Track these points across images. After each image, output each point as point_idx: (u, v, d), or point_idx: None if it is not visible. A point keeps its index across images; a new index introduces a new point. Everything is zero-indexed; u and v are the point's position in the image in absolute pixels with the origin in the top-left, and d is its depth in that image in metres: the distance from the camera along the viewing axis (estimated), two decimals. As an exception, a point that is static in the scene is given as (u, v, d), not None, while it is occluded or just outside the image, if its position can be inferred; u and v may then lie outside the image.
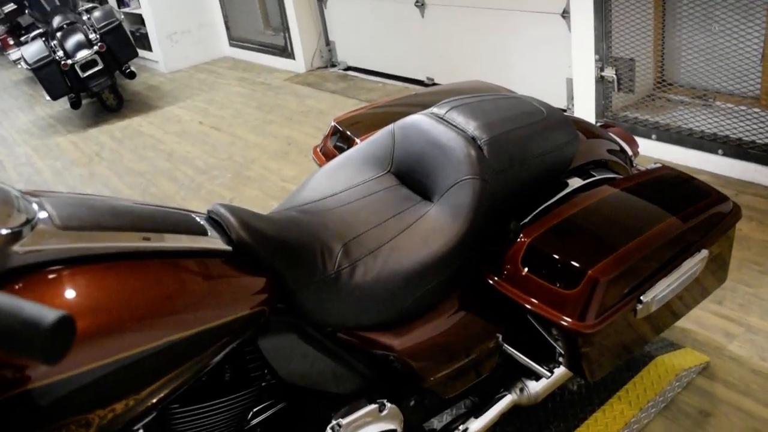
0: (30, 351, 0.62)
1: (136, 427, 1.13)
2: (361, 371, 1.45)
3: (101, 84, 5.57)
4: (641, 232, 1.47)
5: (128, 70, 5.80)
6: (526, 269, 1.43)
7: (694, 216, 1.57)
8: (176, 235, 1.19)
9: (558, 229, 1.47)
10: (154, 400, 1.08)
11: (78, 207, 1.16)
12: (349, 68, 6.14)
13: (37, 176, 4.82)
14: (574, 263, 1.39)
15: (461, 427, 1.70)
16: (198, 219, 1.29)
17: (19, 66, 7.06)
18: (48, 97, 5.53)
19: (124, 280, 1.07)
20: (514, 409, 1.78)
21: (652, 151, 3.47)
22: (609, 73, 3.53)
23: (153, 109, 6.02)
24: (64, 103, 5.99)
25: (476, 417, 1.72)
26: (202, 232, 1.23)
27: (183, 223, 1.23)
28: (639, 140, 3.40)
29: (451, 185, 1.48)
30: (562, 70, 4.08)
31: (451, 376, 1.55)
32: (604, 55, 3.52)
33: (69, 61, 5.32)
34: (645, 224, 1.50)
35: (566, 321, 1.37)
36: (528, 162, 1.55)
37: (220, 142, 4.91)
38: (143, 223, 1.17)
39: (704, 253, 1.56)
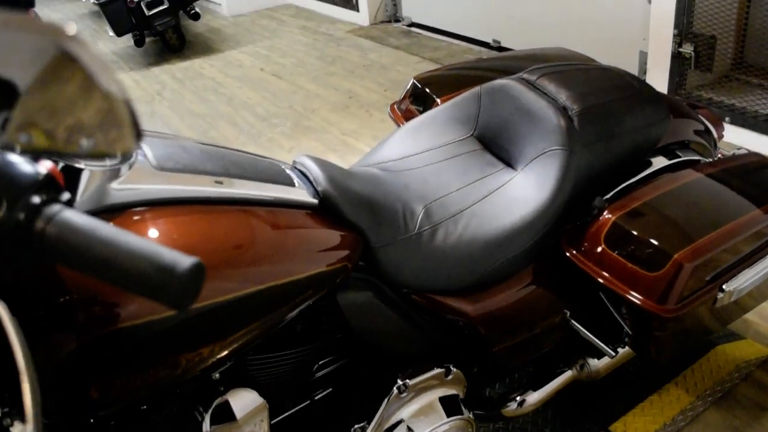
0: (162, 295, 0.62)
1: (214, 373, 1.16)
2: (430, 334, 1.45)
3: (165, 23, 5.60)
4: (727, 221, 1.43)
5: (192, 11, 5.81)
6: (608, 247, 1.41)
7: (783, 208, 1.51)
8: (266, 184, 1.19)
9: (643, 210, 1.44)
10: (236, 347, 1.10)
11: (173, 148, 1.16)
12: (413, 24, 6.05)
13: (100, 110, 4.89)
14: (659, 245, 1.36)
15: (519, 398, 1.70)
16: (285, 169, 1.29)
17: (85, 0, 7.13)
18: (112, 33, 5.58)
19: (216, 226, 1.07)
20: (571, 385, 1.78)
21: (725, 135, 3.36)
22: (687, 49, 3.40)
23: (215, 52, 6.04)
24: (127, 40, 6.04)
25: (534, 390, 1.71)
26: (290, 183, 1.24)
27: (272, 173, 1.24)
28: (712, 123, 3.31)
29: (538, 155, 1.46)
30: (635, 42, 3.95)
31: (517, 346, 1.55)
32: (683, 30, 3.39)
33: (136, -1, 5.36)
34: (732, 213, 1.46)
35: (646, 303, 1.35)
36: (617, 137, 1.51)
37: (281, 90, 4.91)
38: (235, 169, 1.18)
39: (791, 246, 1.51)
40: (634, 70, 4.06)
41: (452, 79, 1.94)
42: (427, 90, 1.89)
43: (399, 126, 1.85)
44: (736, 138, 3.32)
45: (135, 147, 0.62)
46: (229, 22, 7.12)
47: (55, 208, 0.68)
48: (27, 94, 0.59)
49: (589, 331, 1.64)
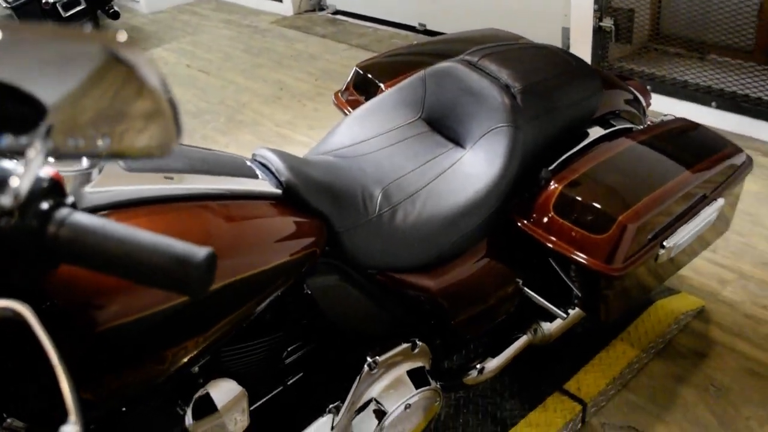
0: (182, 286, 0.65)
1: (194, 366, 1.18)
2: (395, 312, 1.51)
3: (84, 25, 5.43)
4: (664, 181, 1.54)
5: (111, 11, 5.64)
6: (557, 214, 1.50)
7: (712, 166, 1.64)
8: (231, 177, 1.22)
9: (586, 178, 1.53)
10: (212, 341, 1.13)
11: None
12: (337, 12, 6.05)
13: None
14: (604, 209, 1.45)
15: (479, 366, 1.78)
16: (246, 162, 1.31)
17: (-6, 2, 6.81)
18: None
19: (185, 223, 1.10)
20: (527, 350, 1.87)
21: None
22: (607, 23, 3.56)
23: (137, 51, 5.89)
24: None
25: (493, 357, 1.80)
26: (253, 175, 1.26)
27: (236, 166, 1.26)
28: (634, 92, 3.48)
29: (485, 132, 1.53)
30: (557, 19, 4.09)
31: (475, 317, 1.62)
32: (603, 5, 3.55)
33: (50, 0, 5.17)
34: (667, 174, 1.57)
35: (595, 264, 1.44)
36: (558, 111, 1.59)
37: (210, 86, 4.85)
38: (201, 165, 1.20)
39: (721, 201, 1.64)
40: (557, 44, 4.21)
41: (394, 64, 1.99)
42: (370, 76, 1.94)
43: (345, 114, 1.90)
44: (658, 105, 3.50)
45: (177, 142, 0.65)
46: (149, 19, 6.94)
47: (65, 211, 0.69)
48: (70, 101, 0.61)
49: (541, 297, 1.73)
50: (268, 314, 1.39)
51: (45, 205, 0.69)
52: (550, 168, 1.61)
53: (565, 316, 1.73)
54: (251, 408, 1.40)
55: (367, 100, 1.82)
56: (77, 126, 0.63)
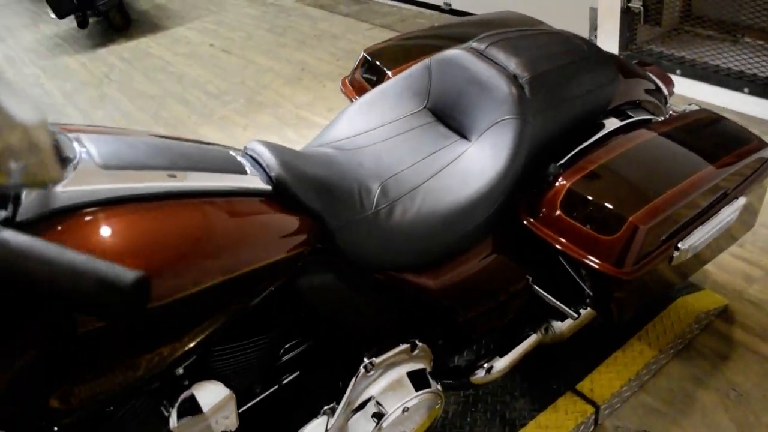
0: (108, 313, 0.60)
1: (178, 368, 1.14)
2: (394, 311, 1.45)
3: (108, 2, 5.42)
4: (681, 179, 1.45)
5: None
6: (564, 213, 1.42)
7: (734, 163, 1.54)
8: (216, 173, 1.16)
9: (598, 174, 1.45)
10: (198, 342, 1.09)
11: (118, 144, 1.13)
12: (362, -9, 5.95)
13: (47, 98, 4.74)
14: (614, 209, 1.37)
15: (486, 365, 1.72)
16: (236, 156, 1.26)
17: (22, -20, 6.86)
18: (53, 15, 5.38)
19: (165, 222, 1.05)
20: (538, 347, 1.81)
21: (676, 88, 3.40)
22: (636, 4, 3.41)
23: (161, 30, 5.87)
24: (70, 22, 5.84)
25: (501, 356, 1.73)
26: (241, 171, 1.21)
27: (222, 161, 1.21)
28: (663, 76, 3.34)
29: (490, 125, 1.45)
30: (586, -1, 3.95)
31: (481, 316, 1.56)
32: (632, -15, 3.40)
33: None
34: (685, 171, 1.47)
35: (604, 266, 1.36)
36: (569, 102, 1.51)
37: (232, 66, 4.81)
38: (184, 161, 1.15)
39: (742, 200, 1.54)
40: (585, 27, 4.07)
41: (402, 50, 1.91)
42: (378, 63, 1.86)
43: (352, 101, 1.83)
44: (688, 90, 3.36)
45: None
46: (174, -3, 6.92)
47: None
48: None
49: (551, 295, 1.66)
50: (258, 313, 1.34)
51: None
52: (561, 162, 1.52)
53: (576, 316, 1.66)
54: (245, 407, 1.37)
55: (373, 87, 1.75)
56: None
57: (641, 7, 3.39)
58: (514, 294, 1.60)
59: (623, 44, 3.56)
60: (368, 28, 5.13)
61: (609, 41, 3.63)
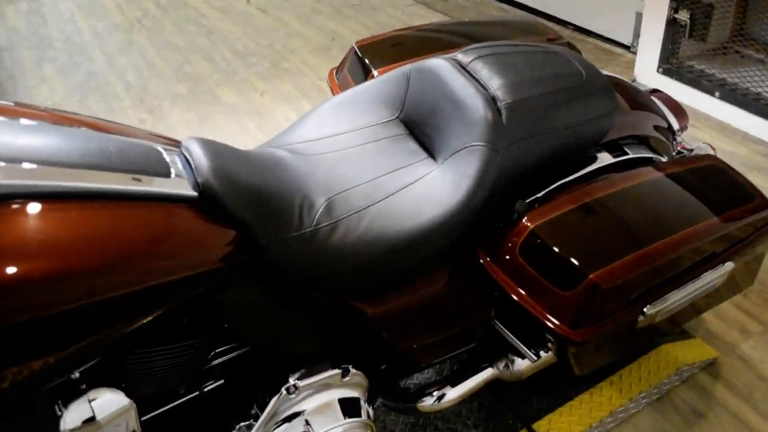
0: None
1: (73, 373, 1.07)
2: (329, 333, 1.36)
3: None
4: (662, 236, 1.30)
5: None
6: (523, 257, 1.29)
7: (729, 222, 1.39)
8: (132, 174, 1.06)
9: (566, 219, 1.31)
10: (88, 353, 1.01)
11: (30, 136, 1.04)
12: (411, -37, 5.74)
13: (77, 36, 4.70)
14: (575, 262, 1.24)
15: (436, 393, 1.62)
16: (165, 155, 1.15)
17: None
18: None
19: (60, 225, 0.96)
20: (495, 382, 1.70)
21: (711, 110, 3.20)
22: (683, 16, 3.19)
23: (203, -21, 5.77)
24: (114, -41, 5.77)
25: (453, 385, 1.63)
26: (165, 173, 1.11)
27: (144, 161, 1.11)
28: (700, 96, 3.14)
29: (459, 148, 1.32)
30: (633, 2, 3.73)
31: (429, 346, 1.45)
32: (681, -5, 3.18)
33: None
34: (669, 226, 1.33)
35: (555, 325, 1.24)
36: (551, 133, 1.37)
37: (264, 26, 4.70)
38: (96, 157, 1.05)
39: (729, 266, 1.39)
40: (629, 32, 3.86)
41: (394, 48, 1.78)
42: (366, 60, 1.73)
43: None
44: (723, 114, 3.16)
45: None
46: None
47: None
48: None
49: (512, 333, 1.55)
50: (175, 322, 1.26)
51: None
52: (533, 198, 1.39)
53: (535, 359, 1.54)
54: (155, 413, 1.30)
55: (357, 85, 1.63)
56: None
57: (688, 20, 3.17)
58: (471, 327, 1.49)
59: (664, 57, 3.35)
60: (409, 4, 4.96)
61: (649, 51, 3.42)
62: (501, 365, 1.66)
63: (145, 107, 3.70)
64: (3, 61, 4.39)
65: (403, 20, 4.66)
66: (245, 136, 3.38)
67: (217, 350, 1.34)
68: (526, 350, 1.54)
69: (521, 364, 1.66)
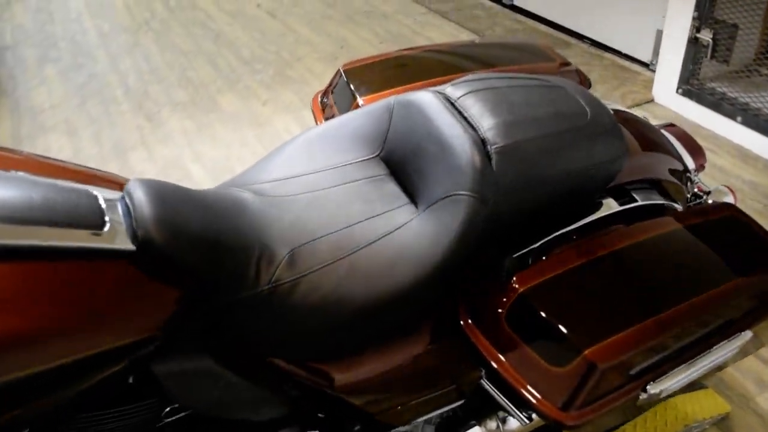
0: None
1: None
2: (292, 398, 1.21)
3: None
4: (671, 304, 1.14)
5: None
6: (509, 324, 1.14)
7: (750, 288, 1.22)
8: (57, 228, 0.92)
9: (563, 280, 1.16)
10: (16, 425, 0.88)
11: None
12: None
13: (81, 36, 4.61)
14: (569, 335, 1.08)
15: (418, 453, 1.47)
16: (102, 202, 1.01)
17: None
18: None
19: None
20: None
21: (732, 135, 3.02)
22: (705, 35, 3.01)
23: (214, -20, 5.66)
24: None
25: (435, 444, 1.49)
26: (98, 226, 0.96)
27: (74, 210, 0.96)
28: (721, 120, 2.96)
29: (442, 196, 1.17)
30: (654, 19, 3.55)
31: (409, 408, 1.31)
32: (704, 14, 3.00)
33: None
34: (680, 292, 1.17)
35: (545, 405, 1.09)
36: (548, 181, 1.21)
37: (271, 31, 4.58)
38: (18, 211, 0.91)
39: (747, 335, 1.23)
40: (648, 49, 3.68)
41: (384, 74, 1.62)
42: (351, 86, 1.58)
43: (317, 125, 1.57)
44: (745, 140, 2.98)
45: None
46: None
47: None
48: None
49: (503, 393, 1.39)
50: (129, 379, 1.12)
51: None
52: (523, 252, 1.24)
53: (526, 422, 1.39)
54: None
55: (342, 113, 1.48)
56: None
57: (711, 40, 2.99)
58: (456, 387, 1.35)
59: (684, 77, 3.17)
60: (422, 12, 4.81)
61: (669, 71, 3.24)
62: (490, 424, 1.51)
63: (144, 113, 3.59)
64: (5, 59, 4.31)
65: (414, 29, 4.51)
66: (243, 148, 3.25)
67: (173, 407, 1.20)
68: (517, 412, 1.38)
69: (513, 424, 1.50)
